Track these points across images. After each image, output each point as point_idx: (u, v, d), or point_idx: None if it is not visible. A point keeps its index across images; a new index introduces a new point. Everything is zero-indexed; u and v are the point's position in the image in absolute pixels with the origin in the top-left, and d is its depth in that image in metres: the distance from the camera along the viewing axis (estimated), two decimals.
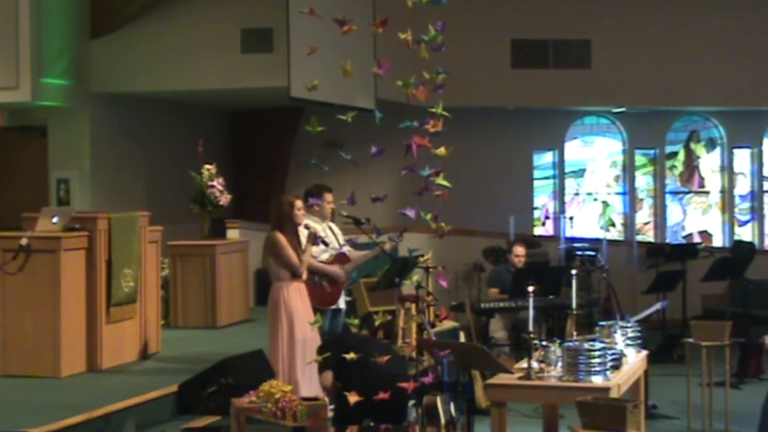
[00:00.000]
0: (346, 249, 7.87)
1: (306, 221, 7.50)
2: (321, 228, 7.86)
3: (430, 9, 3.70)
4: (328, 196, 7.86)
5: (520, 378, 6.29)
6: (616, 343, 6.84)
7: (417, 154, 3.46)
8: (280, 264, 7.24)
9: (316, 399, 5.93)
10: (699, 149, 16.89)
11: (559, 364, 6.24)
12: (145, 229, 8.68)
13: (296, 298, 7.26)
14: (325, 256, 7.82)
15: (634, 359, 6.93)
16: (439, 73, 3.57)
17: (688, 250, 14.79)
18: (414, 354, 7.33)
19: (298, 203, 7.37)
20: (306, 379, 7.15)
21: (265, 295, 7.78)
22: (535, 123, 15.80)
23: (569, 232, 14.98)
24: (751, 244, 15.70)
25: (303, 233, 7.39)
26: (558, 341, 6.52)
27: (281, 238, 7.22)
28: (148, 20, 12.25)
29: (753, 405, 7.17)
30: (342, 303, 8.00)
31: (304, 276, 7.35)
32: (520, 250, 10.52)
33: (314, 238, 7.32)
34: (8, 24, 11.23)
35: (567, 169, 16.38)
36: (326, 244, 7.82)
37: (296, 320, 7.16)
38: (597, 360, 6.10)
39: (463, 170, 13.24)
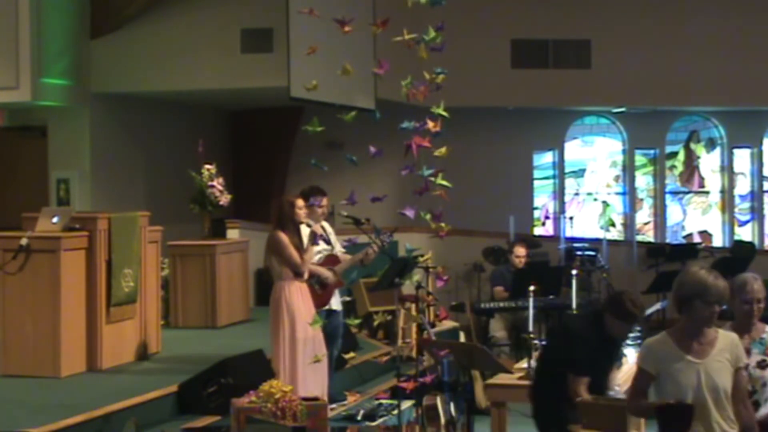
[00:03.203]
0: (338, 251, 7.88)
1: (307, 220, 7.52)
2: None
3: (430, 9, 3.70)
4: (323, 200, 7.86)
5: (520, 378, 6.30)
6: None
7: (417, 154, 3.46)
8: (283, 263, 7.25)
9: (316, 399, 5.93)
10: (699, 149, 16.88)
11: None
12: (145, 229, 8.68)
13: (298, 297, 7.26)
14: (316, 258, 7.80)
15: (634, 359, 6.93)
16: (438, 73, 3.57)
17: (688, 250, 14.79)
18: (414, 354, 7.35)
19: (299, 202, 7.40)
20: (307, 379, 7.15)
21: (265, 295, 7.77)
22: (535, 123, 15.79)
23: (569, 232, 14.98)
24: (751, 244, 15.69)
25: (305, 232, 7.41)
26: None
27: (283, 237, 7.24)
28: (148, 20, 12.24)
29: None
30: (335, 304, 7.93)
31: (306, 275, 7.36)
32: (521, 250, 10.51)
33: (315, 237, 7.34)
34: (8, 24, 11.21)
35: (567, 169, 16.37)
36: (328, 243, 7.81)
37: (298, 320, 7.16)
38: None
39: (463, 170, 13.26)
